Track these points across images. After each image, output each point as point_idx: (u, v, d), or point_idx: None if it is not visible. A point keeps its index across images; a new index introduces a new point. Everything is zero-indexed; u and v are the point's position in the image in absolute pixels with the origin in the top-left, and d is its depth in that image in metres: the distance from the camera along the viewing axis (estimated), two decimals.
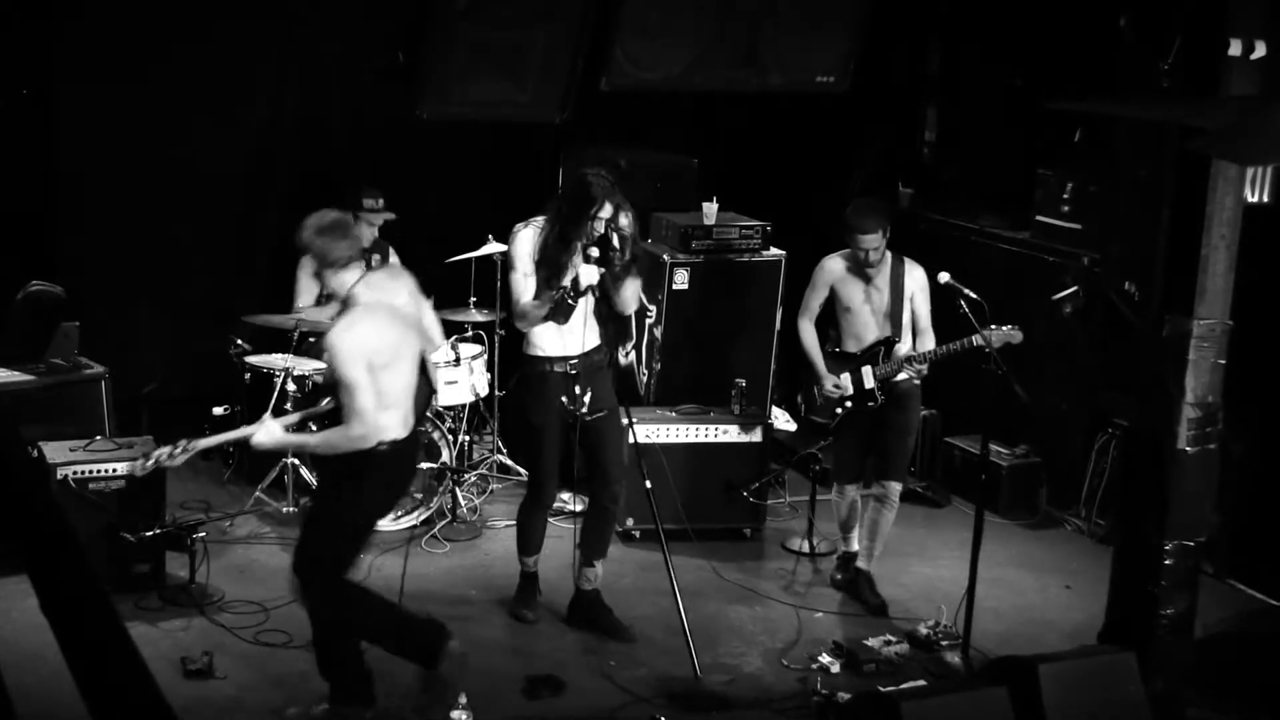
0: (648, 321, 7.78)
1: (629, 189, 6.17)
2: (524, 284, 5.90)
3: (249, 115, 8.24)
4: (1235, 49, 5.26)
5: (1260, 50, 5.27)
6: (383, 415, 5.03)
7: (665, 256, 7.75)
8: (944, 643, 6.23)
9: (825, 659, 6.07)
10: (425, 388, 5.33)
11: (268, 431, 5.12)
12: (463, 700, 5.27)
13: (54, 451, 6.35)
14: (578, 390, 6.00)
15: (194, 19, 7.79)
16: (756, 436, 7.37)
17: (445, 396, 7.39)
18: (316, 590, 5.24)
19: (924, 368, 6.53)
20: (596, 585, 6.28)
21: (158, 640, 5.89)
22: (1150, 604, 5.58)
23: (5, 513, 2.92)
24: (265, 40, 8.13)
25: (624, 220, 5.90)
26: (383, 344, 5.04)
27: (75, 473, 6.27)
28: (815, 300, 6.71)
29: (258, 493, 7.34)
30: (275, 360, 7.29)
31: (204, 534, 6.44)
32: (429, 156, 8.39)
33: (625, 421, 6.21)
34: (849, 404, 6.64)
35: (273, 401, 7.03)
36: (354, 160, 8.31)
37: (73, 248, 7.88)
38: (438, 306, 7.74)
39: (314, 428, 5.44)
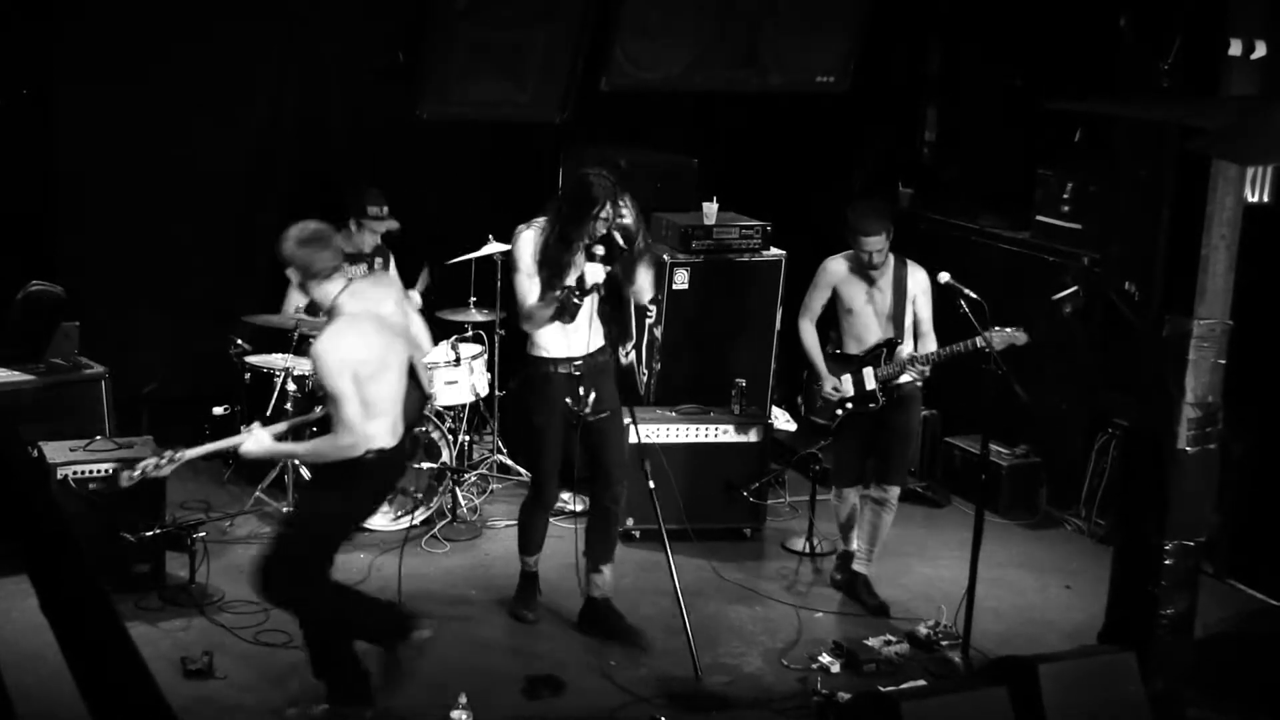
0: (648, 321, 7.78)
1: (629, 189, 6.17)
2: (528, 285, 5.88)
3: (249, 115, 8.24)
4: (1235, 49, 5.26)
5: (1260, 50, 5.26)
6: (371, 424, 5.02)
7: (665, 256, 7.75)
8: (944, 643, 6.23)
9: (825, 659, 6.07)
10: (416, 394, 5.30)
11: (256, 440, 5.11)
12: (463, 700, 5.27)
13: (54, 451, 6.35)
14: (582, 391, 5.99)
15: (194, 19, 7.78)
16: (756, 436, 7.37)
17: (445, 396, 7.40)
18: (277, 588, 5.22)
19: (926, 369, 6.53)
20: (606, 592, 6.23)
21: (158, 640, 5.89)
22: (1150, 604, 5.58)
23: (5, 513, 2.92)
24: (265, 40, 8.12)
25: (628, 214, 5.88)
26: (369, 354, 5.01)
27: (75, 473, 6.27)
28: (817, 301, 6.71)
29: (258, 493, 7.34)
30: (275, 360, 7.29)
31: (204, 534, 6.44)
32: (429, 156, 8.39)
33: (628, 421, 6.21)
34: (850, 405, 6.63)
35: (273, 401, 7.03)
36: (354, 160, 8.31)
37: (73, 248, 7.88)
38: (438, 306, 7.81)
39: (310, 433, 5.44)
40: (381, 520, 7.14)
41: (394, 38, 7.55)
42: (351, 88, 8.32)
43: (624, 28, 7.47)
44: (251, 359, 7.36)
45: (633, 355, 6.29)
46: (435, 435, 7.19)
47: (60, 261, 7.70)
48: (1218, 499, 6.05)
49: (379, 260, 7.51)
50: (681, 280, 7.71)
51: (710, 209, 7.89)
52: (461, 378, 7.45)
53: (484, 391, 7.67)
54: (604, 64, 7.60)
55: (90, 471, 6.29)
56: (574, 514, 7.35)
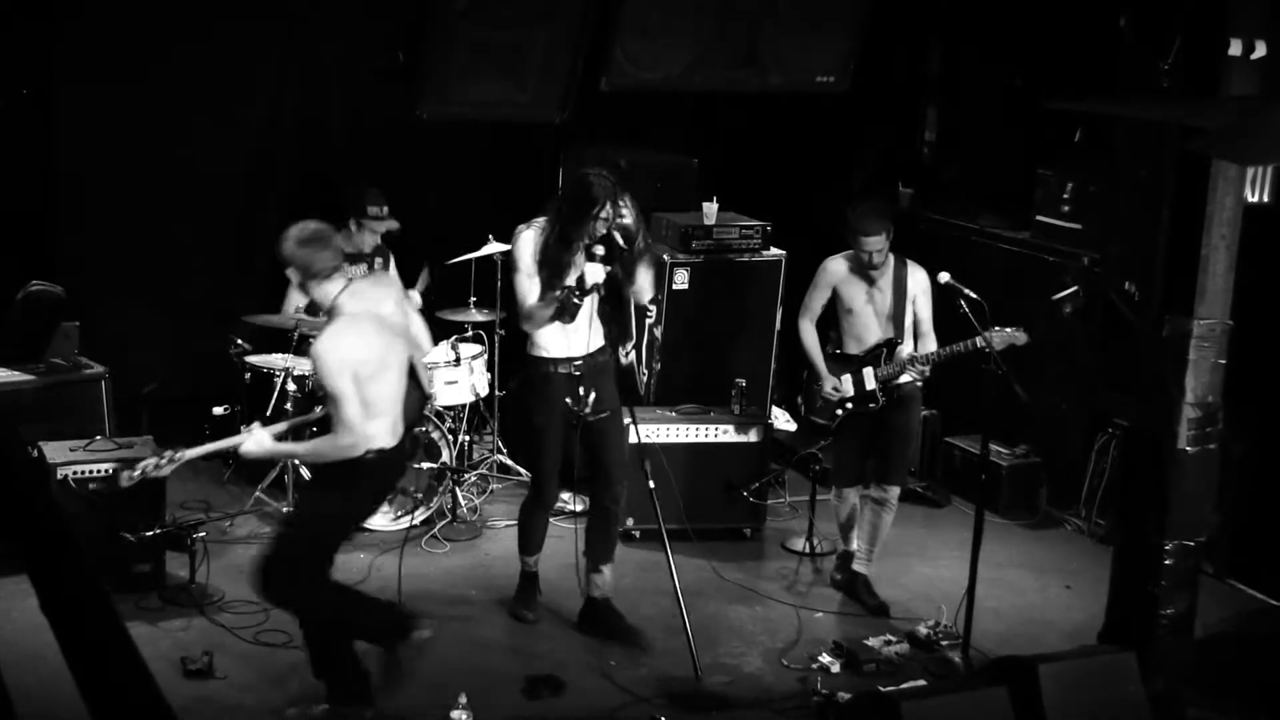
0: (648, 321, 7.78)
1: (629, 189, 6.16)
2: (528, 285, 5.88)
3: (249, 115, 8.24)
4: (1235, 49, 5.26)
5: (1260, 50, 5.26)
6: (371, 424, 5.02)
7: (665, 256, 7.75)
8: (944, 643, 6.23)
9: (825, 659, 6.07)
10: (416, 394, 5.30)
11: (256, 441, 5.11)
12: (463, 700, 5.27)
13: (54, 451, 6.35)
14: (582, 391, 5.99)
15: (194, 19, 7.78)
16: (756, 436, 7.37)
17: (445, 396, 7.40)
18: (277, 588, 5.22)
19: (927, 369, 6.52)
20: (606, 592, 6.22)
21: (158, 640, 5.89)
22: (1150, 604, 5.58)
23: (5, 513, 2.92)
24: (265, 40, 8.13)
25: (627, 214, 5.87)
26: (369, 354, 5.01)
27: (75, 473, 6.27)
28: (817, 301, 6.70)
29: (258, 493, 7.34)
30: (275, 360, 7.29)
31: (204, 534, 6.44)
32: (429, 156, 8.39)
33: (628, 422, 6.19)
34: (850, 405, 6.63)
35: (273, 401, 7.03)
36: (354, 160, 8.32)
37: (73, 248, 7.88)
38: (438, 306, 7.81)
39: (310, 433, 5.44)
40: (381, 520, 7.14)
41: (394, 38, 7.56)
42: (351, 88, 8.32)
43: (624, 28, 7.47)
44: (251, 359, 7.36)
45: (632, 355, 6.28)
46: (435, 435, 7.19)
47: (60, 261, 7.70)
48: (1218, 499, 6.05)
49: (379, 260, 7.51)
50: (681, 280, 7.72)
51: (710, 209, 7.89)
52: (461, 378, 7.45)
53: (484, 391, 7.67)
54: (604, 64, 7.60)
55: (90, 471, 6.29)
56: (574, 514, 7.36)
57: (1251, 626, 6.72)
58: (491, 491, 7.76)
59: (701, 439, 7.29)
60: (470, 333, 7.76)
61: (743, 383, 7.48)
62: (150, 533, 6.32)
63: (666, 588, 6.10)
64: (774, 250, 7.96)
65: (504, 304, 7.71)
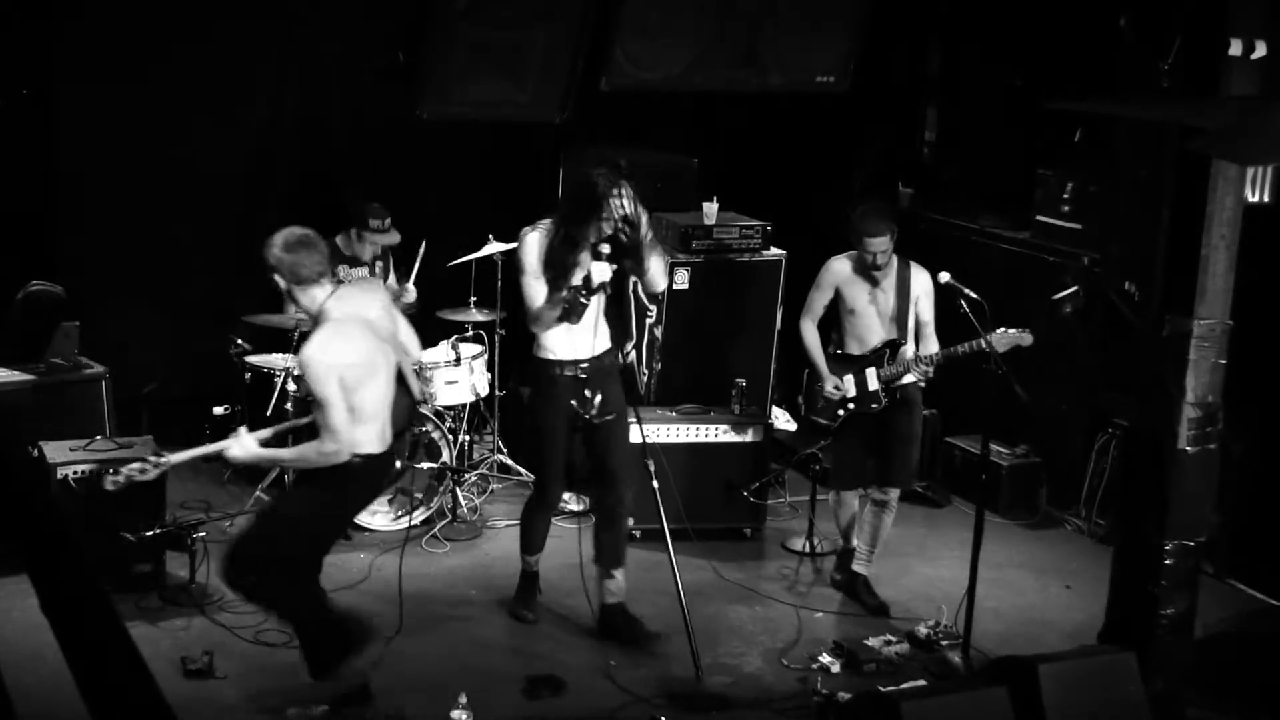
0: (648, 321, 7.78)
1: (630, 179, 6.13)
2: (535, 287, 5.85)
3: (249, 115, 8.24)
4: (1235, 49, 5.26)
5: (1260, 50, 5.26)
6: (358, 430, 5.00)
7: (665, 257, 7.74)
8: (944, 643, 6.23)
9: (825, 659, 6.07)
10: (405, 401, 5.28)
11: (242, 446, 5.10)
12: (463, 700, 5.27)
13: (54, 451, 6.35)
14: (587, 394, 5.98)
15: (194, 19, 7.79)
16: (756, 436, 7.37)
17: (445, 396, 7.40)
18: (236, 573, 5.21)
19: (930, 369, 6.52)
20: (620, 597, 6.20)
21: (158, 640, 5.89)
22: (1150, 604, 5.58)
23: (5, 513, 2.92)
24: (265, 40, 8.13)
25: (627, 202, 5.80)
26: (356, 358, 4.99)
27: (75, 473, 6.27)
28: (819, 301, 6.70)
29: (258, 493, 7.34)
30: (275, 360, 7.29)
31: (204, 534, 6.44)
32: (429, 156, 8.39)
33: (633, 423, 6.15)
34: (852, 405, 6.63)
35: (273, 401, 7.04)
36: (354, 160, 8.32)
37: (73, 248, 7.89)
38: (438, 306, 7.81)
39: (290, 440, 5.41)
40: (381, 520, 7.15)
41: (394, 38, 7.56)
42: (351, 88, 8.32)
43: (624, 28, 7.47)
44: (251, 359, 7.37)
45: (633, 355, 6.28)
46: (435, 435, 7.19)
47: (60, 261, 7.71)
48: (1218, 499, 6.05)
49: (379, 264, 7.53)
50: (681, 280, 7.71)
51: (710, 209, 7.89)
52: (461, 378, 7.45)
53: (484, 391, 7.66)
54: (604, 64, 7.60)
55: (90, 471, 6.28)
56: (573, 514, 7.37)
57: (1251, 626, 6.72)
58: (491, 491, 7.76)
59: (701, 439, 7.29)
60: (470, 333, 7.76)
61: (743, 383, 7.48)
62: (150, 533, 6.32)
63: (667, 588, 6.10)
64: (774, 250, 7.96)
65: (504, 304, 7.72)
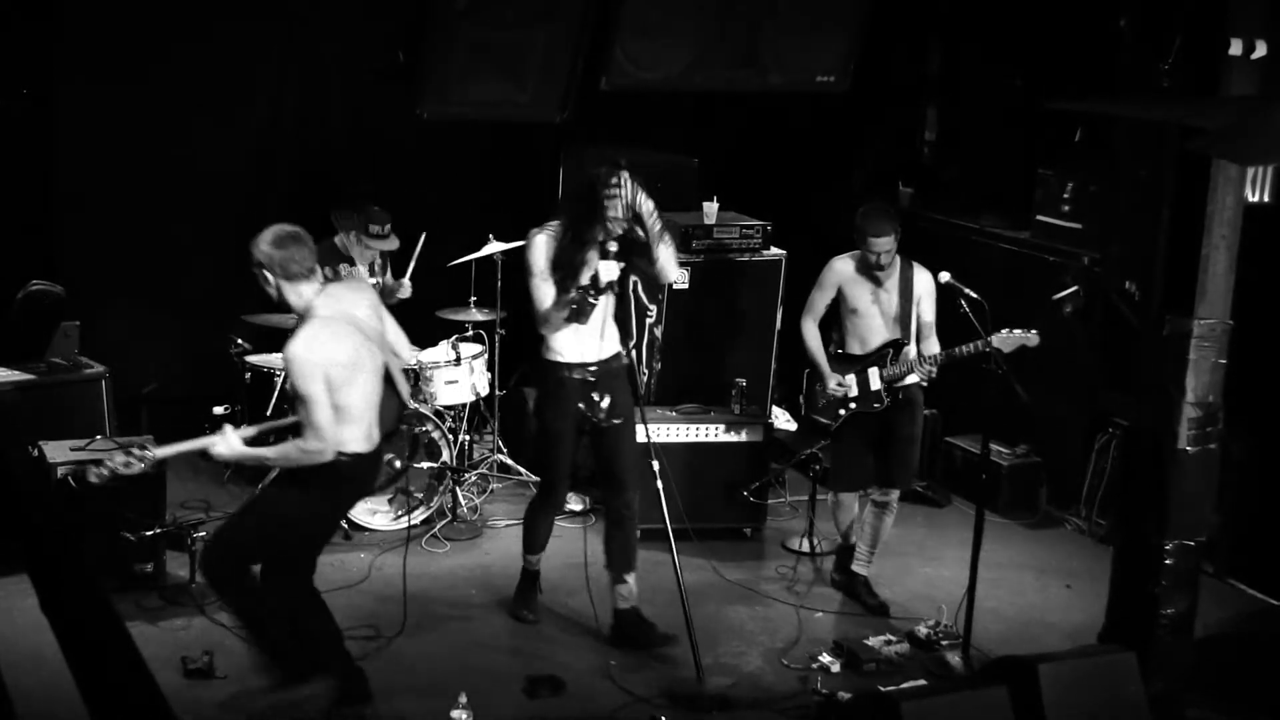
0: (648, 321, 7.79)
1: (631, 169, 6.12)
2: (543, 289, 5.83)
3: (249, 115, 8.24)
4: (1235, 49, 5.26)
5: (1260, 50, 5.26)
6: (344, 429, 4.98)
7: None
8: (944, 643, 6.23)
9: (825, 659, 6.07)
10: (393, 402, 5.24)
11: (226, 444, 5.06)
12: (463, 700, 5.27)
13: (54, 451, 6.34)
14: (595, 396, 5.97)
15: (194, 19, 7.79)
16: (756, 436, 7.37)
17: (445, 396, 7.40)
18: (219, 576, 5.21)
19: (934, 370, 6.52)
20: (633, 602, 6.17)
21: (158, 640, 5.89)
22: (1150, 604, 5.58)
23: (5, 513, 2.92)
24: (265, 40, 8.13)
25: (626, 190, 5.76)
26: (343, 356, 4.96)
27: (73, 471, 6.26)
28: (821, 301, 6.69)
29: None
30: (275, 360, 7.28)
31: (204, 533, 6.42)
32: (429, 156, 8.39)
33: (640, 424, 6.12)
34: (853, 405, 6.62)
35: (273, 401, 7.04)
36: (354, 160, 8.32)
37: (73, 248, 7.89)
38: (438, 306, 7.81)
39: (272, 439, 5.38)
40: (381, 520, 7.15)
41: (394, 38, 7.55)
42: (351, 88, 8.32)
43: (624, 28, 7.46)
44: (251, 359, 7.37)
45: (633, 355, 6.27)
46: (435, 435, 7.19)
47: (60, 261, 7.71)
48: (1218, 499, 6.05)
49: (377, 264, 7.53)
50: (681, 280, 7.71)
51: (710, 209, 7.89)
52: (461, 377, 7.45)
53: (484, 391, 7.67)
54: (604, 64, 7.59)
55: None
56: (574, 513, 7.36)
57: (1251, 626, 6.72)
58: (492, 491, 7.77)
59: (701, 439, 7.29)
60: (470, 332, 7.76)
61: (743, 383, 7.48)
62: (150, 532, 6.32)
63: (667, 587, 6.11)
64: (774, 250, 7.96)
65: (504, 303, 7.72)
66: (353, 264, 7.35)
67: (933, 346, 6.57)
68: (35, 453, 6.33)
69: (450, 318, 7.77)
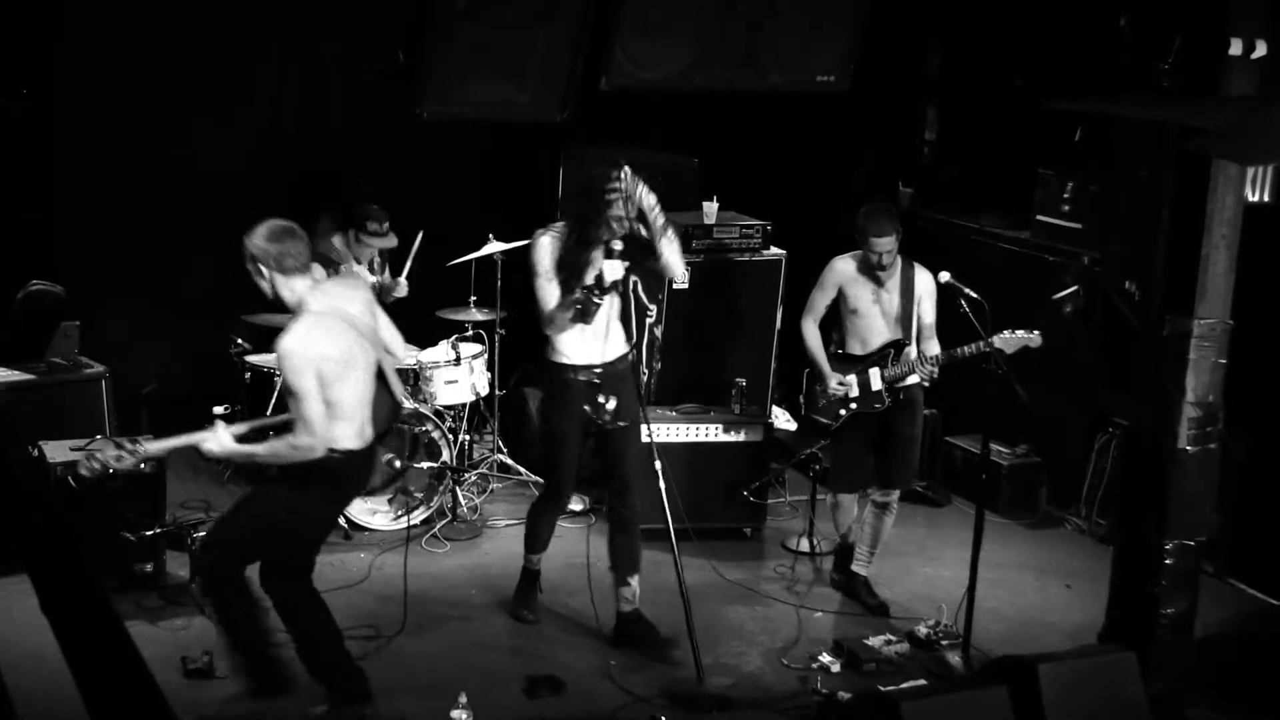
0: (648, 321, 7.78)
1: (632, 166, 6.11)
2: (548, 289, 5.82)
3: (249, 115, 8.25)
4: (1235, 49, 5.26)
5: (1260, 50, 5.26)
6: (336, 426, 4.96)
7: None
8: (944, 643, 6.23)
9: (826, 658, 6.07)
10: (386, 400, 5.22)
11: (216, 440, 5.05)
12: (463, 700, 5.27)
13: (54, 451, 6.34)
14: (601, 399, 5.97)
15: (194, 19, 7.79)
16: (756, 436, 7.37)
17: (445, 396, 7.40)
18: (208, 572, 5.22)
19: (936, 370, 6.52)
20: (636, 604, 6.16)
21: (158, 640, 5.90)
22: (1150, 604, 5.58)
23: (5, 513, 2.92)
24: (265, 40, 8.13)
25: (624, 184, 5.77)
26: (335, 351, 4.94)
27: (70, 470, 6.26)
28: (822, 301, 6.69)
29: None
30: (275, 360, 7.27)
31: (204, 533, 6.43)
32: (429, 156, 8.39)
33: (644, 426, 6.11)
34: (854, 405, 6.62)
35: (273, 401, 7.03)
36: (354, 160, 8.32)
37: (73, 248, 7.89)
38: (438, 306, 7.81)
39: (270, 435, 5.38)
40: (381, 520, 7.15)
41: (394, 38, 7.55)
42: (351, 88, 8.33)
43: (624, 28, 7.46)
44: (251, 359, 7.36)
45: (633, 355, 6.27)
46: (435, 435, 7.18)
47: (60, 261, 7.71)
48: (1218, 499, 6.05)
49: (376, 262, 7.53)
50: (681, 280, 7.71)
51: (710, 209, 7.89)
52: (461, 377, 7.45)
53: (484, 391, 7.67)
54: (604, 64, 7.58)
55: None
56: (574, 513, 7.36)
57: (1251, 626, 6.72)
58: (491, 491, 7.77)
59: (701, 439, 7.29)
60: (470, 332, 7.76)
61: (743, 382, 7.48)
62: (150, 532, 6.32)
63: (668, 587, 6.10)
64: (774, 250, 7.95)
65: (504, 303, 7.72)
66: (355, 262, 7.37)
67: (933, 347, 6.56)
68: (35, 453, 6.33)
69: (450, 318, 7.77)
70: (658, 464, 6.05)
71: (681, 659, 5.95)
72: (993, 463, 7.69)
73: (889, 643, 6.18)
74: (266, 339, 7.45)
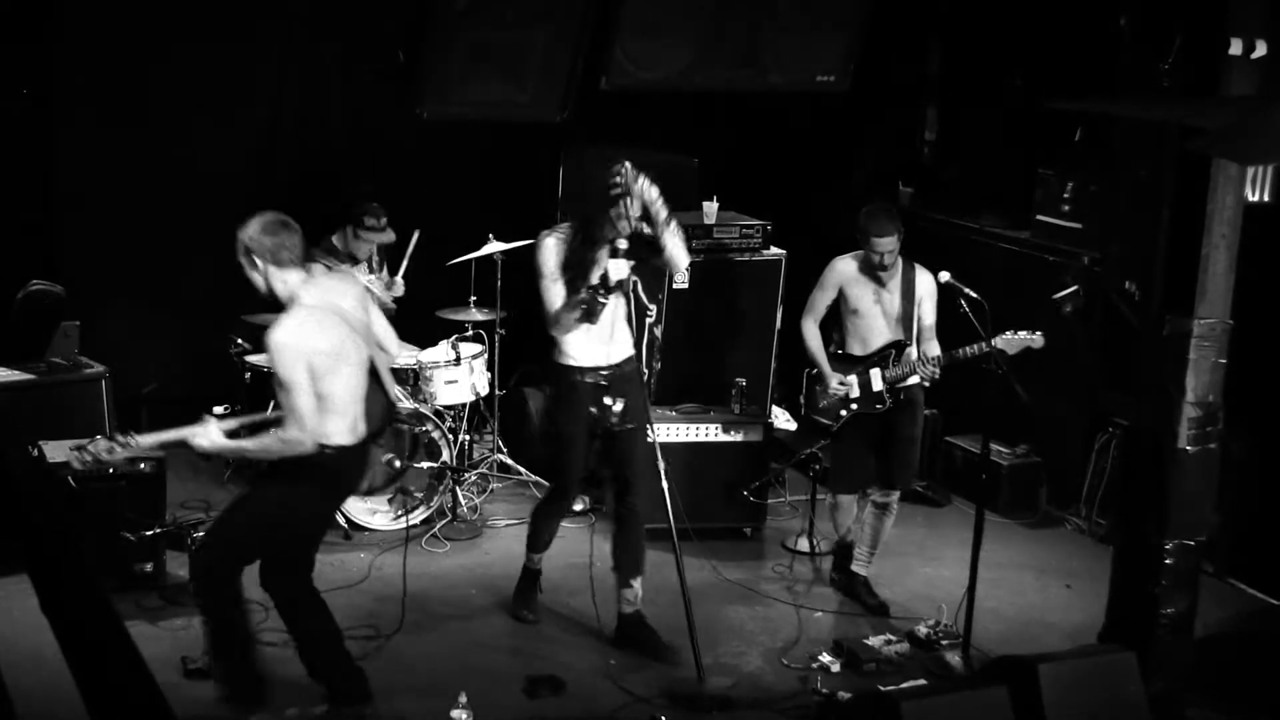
0: (648, 321, 7.78)
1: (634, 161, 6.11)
2: (553, 290, 5.81)
3: (249, 115, 8.25)
4: (1235, 49, 5.26)
5: (1260, 50, 5.26)
6: (327, 421, 4.94)
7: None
8: (944, 642, 6.23)
9: (825, 658, 6.07)
10: (380, 398, 5.20)
11: (207, 435, 5.03)
12: (463, 700, 5.27)
13: (54, 451, 6.34)
14: (608, 401, 5.96)
15: (194, 19, 7.79)
16: (756, 436, 7.37)
17: (445, 396, 7.40)
18: (206, 572, 5.20)
19: (937, 371, 6.51)
20: (638, 606, 6.16)
21: (158, 640, 5.89)
22: (1150, 604, 5.58)
23: (5, 513, 2.92)
24: (265, 40, 8.13)
25: (625, 180, 5.76)
26: (326, 345, 4.93)
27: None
28: (823, 301, 6.68)
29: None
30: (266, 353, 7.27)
31: (202, 534, 6.43)
32: (429, 156, 8.39)
33: (649, 427, 6.09)
34: (855, 406, 6.62)
35: (273, 401, 7.02)
36: (354, 160, 8.32)
37: (73, 248, 7.89)
38: (438, 306, 7.81)
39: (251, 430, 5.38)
40: (381, 520, 7.15)
41: (394, 38, 7.56)
42: (351, 88, 8.33)
43: (624, 28, 7.46)
44: (251, 359, 7.36)
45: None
46: (435, 435, 7.18)
47: (60, 261, 7.71)
48: (1218, 499, 6.04)
49: (374, 260, 7.54)
50: (681, 280, 7.71)
51: (710, 209, 7.89)
52: (461, 377, 7.45)
53: (484, 391, 7.67)
54: (604, 64, 7.59)
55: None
56: (575, 513, 7.36)
57: (1251, 626, 6.72)
58: (491, 491, 7.77)
59: (701, 439, 7.29)
60: (470, 332, 7.76)
61: (743, 382, 7.48)
62: (150, 532, 6.32)
63: (668, 587, 6.10)
64: (774, 250, 7.95)
65: (504, 303, 7.72)
66: (351, 263, 7.36)
67: (933, 348, 6.56)
68: (35, 453, 6.33)
69: (450, 317, 7.77)
70: (661, 464, 6.04)
71: (681, 659, 5.95)
72: (993, 463, 7.69)
73: (889, 643, 6.18)
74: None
